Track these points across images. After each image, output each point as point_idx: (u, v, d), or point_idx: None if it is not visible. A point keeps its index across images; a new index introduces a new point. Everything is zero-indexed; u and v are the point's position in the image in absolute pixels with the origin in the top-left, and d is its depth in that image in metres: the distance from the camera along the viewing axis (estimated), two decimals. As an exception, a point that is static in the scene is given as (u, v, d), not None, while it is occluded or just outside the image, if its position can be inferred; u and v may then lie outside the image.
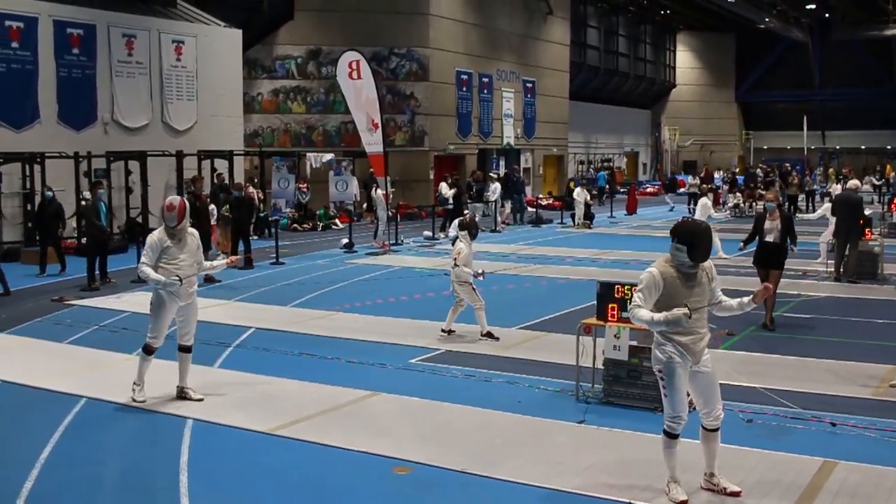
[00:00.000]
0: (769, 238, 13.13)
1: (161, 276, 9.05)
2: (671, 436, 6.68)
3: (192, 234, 9.48)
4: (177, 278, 9.06)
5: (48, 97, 23.81)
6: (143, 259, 9.18)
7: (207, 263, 10.04)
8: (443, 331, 12.44)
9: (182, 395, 9.40)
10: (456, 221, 13.06)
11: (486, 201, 30.31)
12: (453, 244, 12.53)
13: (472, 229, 12.42)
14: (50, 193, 19.84)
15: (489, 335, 12.14)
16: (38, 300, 15.60)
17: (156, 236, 9.25)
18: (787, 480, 7.05)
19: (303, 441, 8.10)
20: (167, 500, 6.79)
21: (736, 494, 6.74)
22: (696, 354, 6.60)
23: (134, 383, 9.35)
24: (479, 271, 12.23)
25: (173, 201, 9.38)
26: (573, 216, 31.48)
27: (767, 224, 13.17)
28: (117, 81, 25.52)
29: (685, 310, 6.44)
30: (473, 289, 12.17)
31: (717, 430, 6.75)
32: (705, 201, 22.97)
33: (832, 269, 17.90)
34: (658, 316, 6.53)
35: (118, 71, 25.55)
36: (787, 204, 33.43)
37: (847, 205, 17.39)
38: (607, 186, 42.48)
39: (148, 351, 9.32)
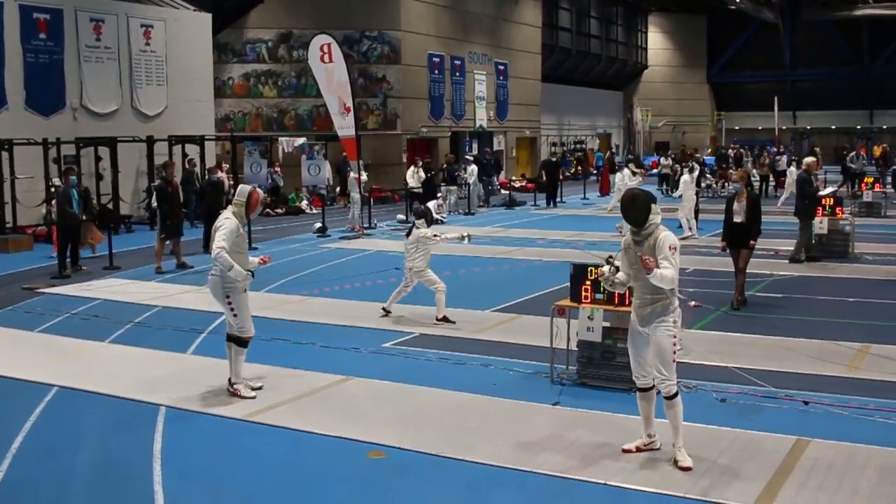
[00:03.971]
0: (737, 219, 13.24)
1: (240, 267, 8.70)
2: (637, 389, 7.29)
3: None
4: (250, 274, 8.89)
5: (15, 83, 23.47)
6: (222, 243, 8.64)
7: None
8: (383, 309, 12.68)
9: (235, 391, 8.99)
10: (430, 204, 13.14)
11: (461, 184, 30.25)
12: (407, 236, 12.54)
13: (427, 217, 12.54)
14: None
15: (445, 319, 12.16)
16: (8, 288, 15.43)
17: (234, 223, 8.83)
18: (761, 459, 7.11)
19: (277, 427, 8.07)
20: (141, 488, 6.75)
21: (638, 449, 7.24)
22: (641, 318, 7.10)
23: (239, 383, 9.01)
24: (465, 234, 12.83)
25: (258, 193, 9.19)
26: (547, 198, 31.59)
27: (735, 205, 13.28)
28: (86, 67, 25.21)
29: (606, 266, 7.33)
30: (431, 271, 12.29)
31: (647, 389, 7.17)
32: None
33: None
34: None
35: (86, 56, 25.23)
36: (759, 183, 33.76)
37: (798, 184, 17.82)
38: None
39: (245, 343, 9.01)
